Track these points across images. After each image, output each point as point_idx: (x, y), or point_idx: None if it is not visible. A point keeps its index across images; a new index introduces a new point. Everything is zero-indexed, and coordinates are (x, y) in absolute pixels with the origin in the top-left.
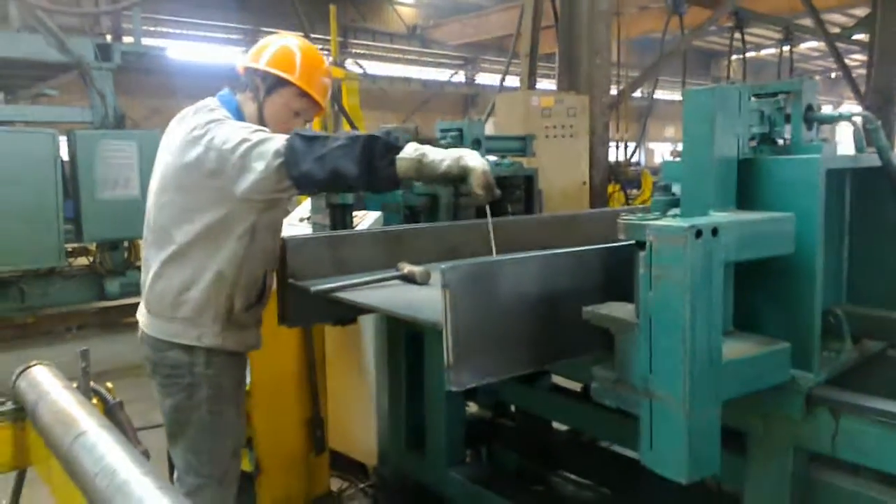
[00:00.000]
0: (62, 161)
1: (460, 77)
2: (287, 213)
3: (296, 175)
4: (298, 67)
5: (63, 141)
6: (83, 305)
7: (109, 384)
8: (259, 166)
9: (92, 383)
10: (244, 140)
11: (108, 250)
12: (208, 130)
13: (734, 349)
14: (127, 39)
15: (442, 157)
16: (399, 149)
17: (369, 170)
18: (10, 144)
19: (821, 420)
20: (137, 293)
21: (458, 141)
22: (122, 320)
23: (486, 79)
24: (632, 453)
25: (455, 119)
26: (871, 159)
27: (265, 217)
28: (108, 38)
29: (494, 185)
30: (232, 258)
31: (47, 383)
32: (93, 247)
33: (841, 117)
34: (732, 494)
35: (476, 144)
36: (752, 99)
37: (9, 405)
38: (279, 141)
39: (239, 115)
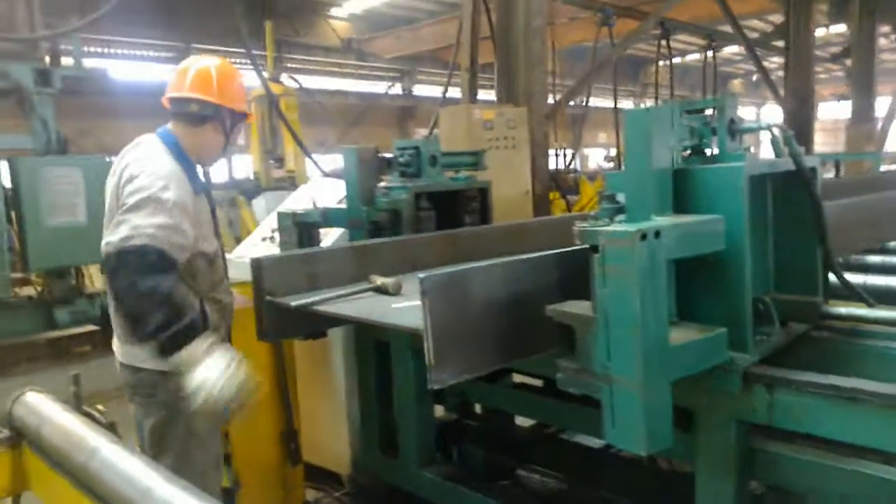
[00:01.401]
0: (3, 189)
1: (397, 89)
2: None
3: (108, 271)
4: (237, 95)
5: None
6: (32, 336)
7: (101, 406)
8: (109, 236)
9: (84, 406)
10: (124, 205)
11: (55, 278)
12: (132, 174)
13: (678, 336)
14: (65, 61)
15: (197, 386)
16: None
17: (167, 340)
18: None
19: (757, 394)
20: (88, 321)
21: (416, 157)
22: (73, 349)
23: (423, 90)
24: (592, 442)
25: (392, 131)
26: (788, 164)
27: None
28: (47, 59)
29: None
30: None
31: (46, 408)
32: (36, 276)
33: (760, 128)
34: (685, 474)
35: (432, 160)
36: (683, 115)
37: (4, 432)
38: (125, 230)
39: (178, 150)
